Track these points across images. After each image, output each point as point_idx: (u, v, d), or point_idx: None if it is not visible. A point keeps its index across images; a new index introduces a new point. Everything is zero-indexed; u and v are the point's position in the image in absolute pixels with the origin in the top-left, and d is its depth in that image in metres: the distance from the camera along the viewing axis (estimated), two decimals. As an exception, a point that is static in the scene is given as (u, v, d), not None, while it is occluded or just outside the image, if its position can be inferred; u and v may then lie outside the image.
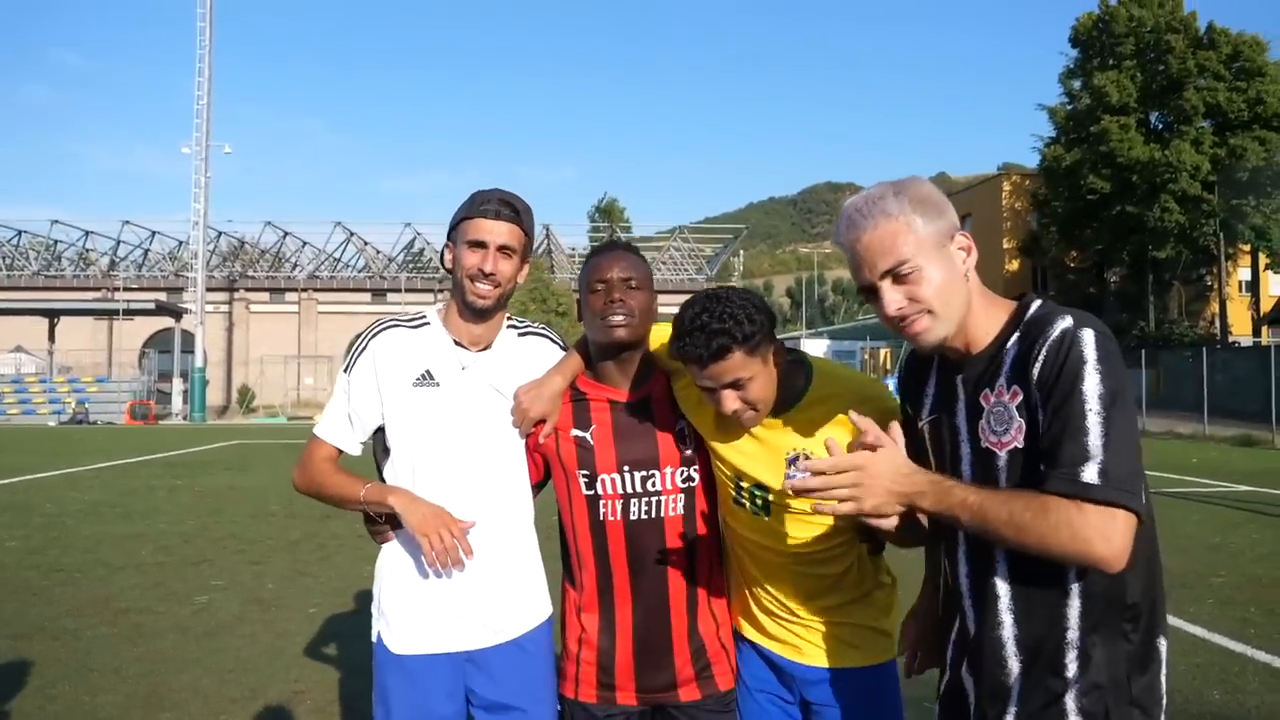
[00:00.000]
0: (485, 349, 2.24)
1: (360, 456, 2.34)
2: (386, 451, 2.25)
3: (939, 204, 1.63)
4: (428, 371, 2.20)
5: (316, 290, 51.86)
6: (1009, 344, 1.58)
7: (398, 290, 50.99)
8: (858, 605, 2.09)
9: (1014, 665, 1.56)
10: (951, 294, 1.61)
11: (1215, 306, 41.82)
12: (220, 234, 53.02)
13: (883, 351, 44.68)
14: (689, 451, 2.15)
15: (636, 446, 2.14)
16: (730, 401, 1.91)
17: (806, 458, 1.93)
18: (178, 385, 39.39)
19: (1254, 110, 37.38)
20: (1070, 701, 1.51)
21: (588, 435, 2.15)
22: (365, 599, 6.44)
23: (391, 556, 2.25)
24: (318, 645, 5.49)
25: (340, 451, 2.29)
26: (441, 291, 50.89)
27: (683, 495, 2.14)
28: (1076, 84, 42.81)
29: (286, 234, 54.49)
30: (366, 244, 55.73)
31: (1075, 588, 1.52)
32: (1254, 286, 42.21)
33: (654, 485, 2.12)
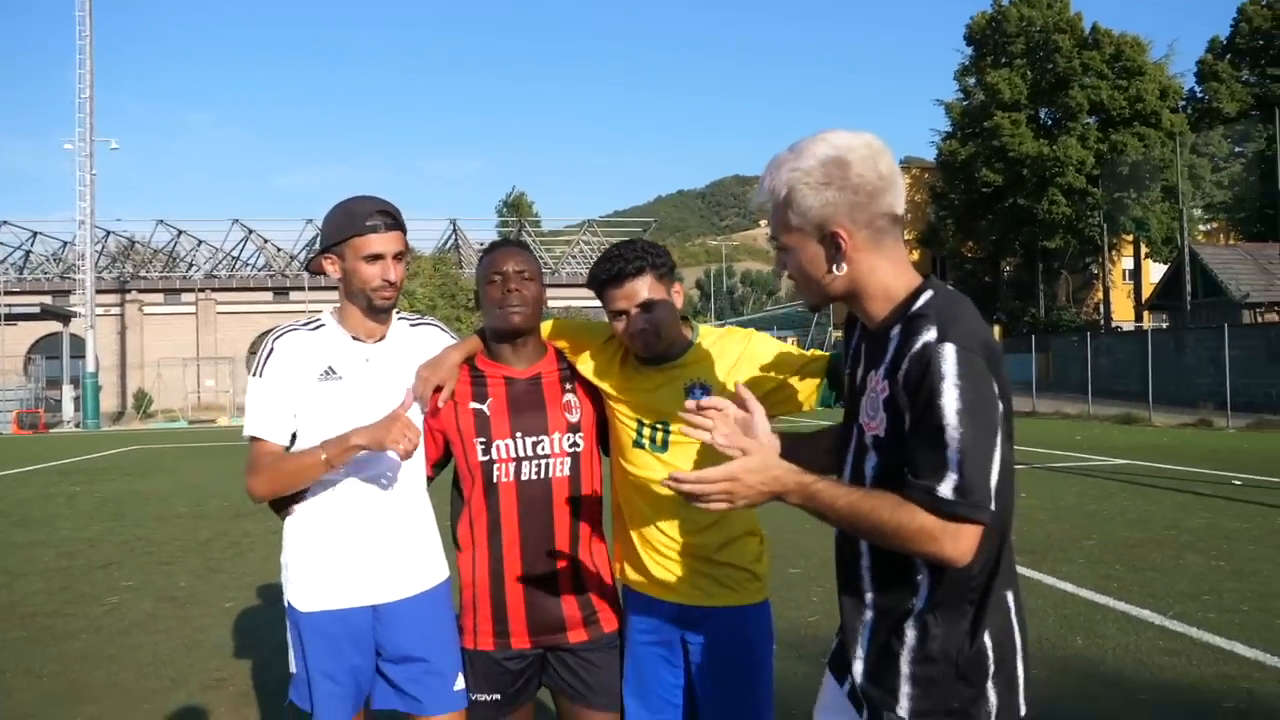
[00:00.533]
0: (381, 340, 2.44)
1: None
2: (292, 441, 2.40)
3: (830, 197, 1.63)
4: (330, 367, 2.37)
5: (215, 290, 50.30)
6: (894, 332, 1.65)
7: (301, 289, 49.83)
8: (734, 548, 2.35)
9: (868, 617, 1.74)
10: (806, 281, 1.73)
11: (1100, 294, 44.07)
12: (109, 234, 50.99)
13: (790, 339, 45.69)
14: (574, 420, 2.42)
15: (528, 415, 2.39)
16: (639, 321, 2.25)
17: (702, 385, 2.25)
18: (68, 392, 37.81)
19: (1134, 107, 39.53)
20: (904, 666, 1.66)
21: (484, 407, 2.40)
22: (281, 592, 6.52)
23: (296, 524, 2.41)
24: (237, 636, 5.56)
25: (283, 446, 2.38)
26: (348, 289, 49.72)
27: (569, 459, 2.40)
28: (971, 81, 44.52)
29: (181, 232, 52.71)
30: (266, 242, 54.31)
31: (924, 566, 1.65)
32: (1136, 275, 44.56)
33: (543, 449, 2.37)
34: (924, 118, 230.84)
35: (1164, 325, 35.56)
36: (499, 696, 2.40)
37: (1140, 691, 4.34)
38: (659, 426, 2.34)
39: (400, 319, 2.52)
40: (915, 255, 49.85)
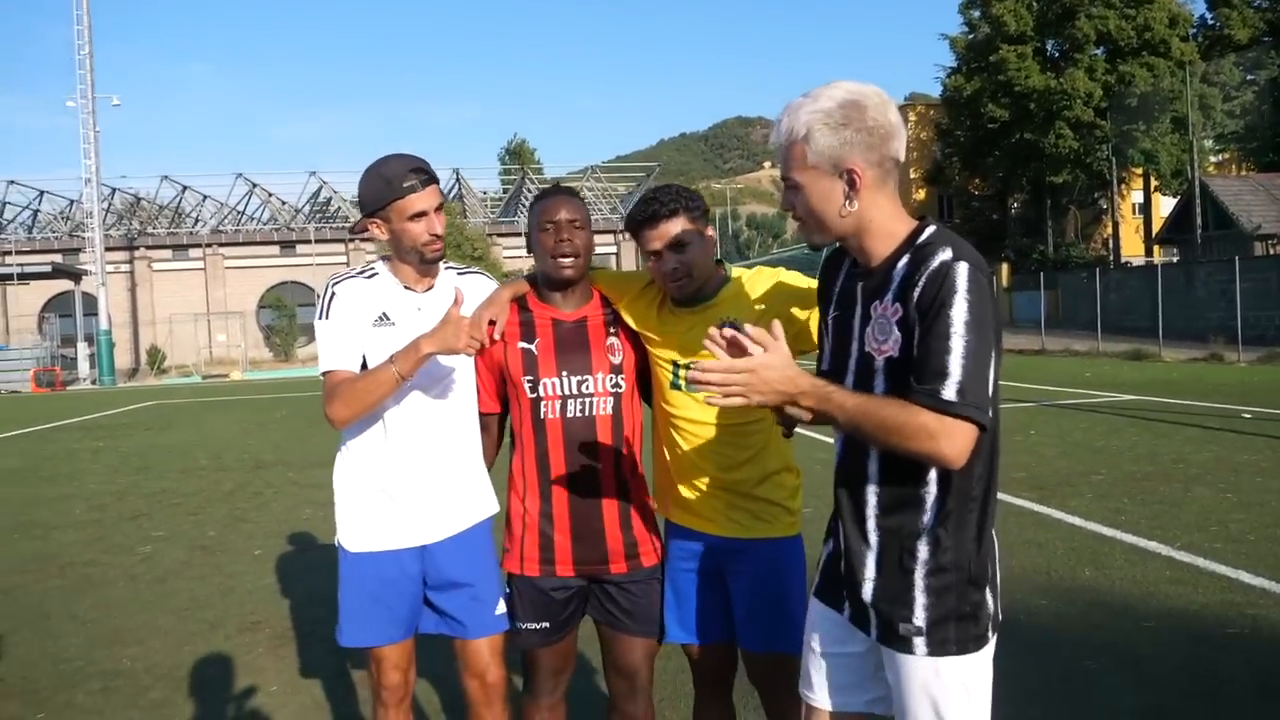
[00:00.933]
0: (430, 290, 2.56)
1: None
2: None
3: (847, 137, 1.76)
4: (384, 314, 2.49)
5: (221, 245, 50.30)
6: (900, 264, 1.78)
7: (307, 241, 49.78)
8: (770, 483, 2.46)
9: (874, 540, 1.86)
10: (820, 215, 1.84)
11: (1109, 229, 43.70)
12: (114, 191, 50.86)
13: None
14: (617, 361, 2.53)
15: (573, 356, 2.50)
16: (670, 261, 2.37)
17: (733, 324, 2.37)
18: (83, 350, 38.05)
19: (1142, 37, 38.76)
20: (918, 579, 1.79)
21: (532, 347, 2.50)
22: (308, 539, 6.75)
23: (348, 465, 2.55)
24: (269, 581, 5.74)
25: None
26: (352, 241, 49.91)
27: (611, 398, 2.51)
28: (976, 13, 43.64)
29: (186, 188, 52.55)
30: (271, 195, 54.14)
31: (933, 481, 1.78)
32: (1145, 208, 44.16)
33: (588, 388, 2.49)
34: (929, 53, 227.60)
35: (1174, 259, 35.38)
36: (548, 625, 2.53)
37: (1146, 619, 4.47)
38: (693, 367, 2.43)
39: (448, 269, 2.62)
40: (921, 194, 49.47)
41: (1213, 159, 42.46)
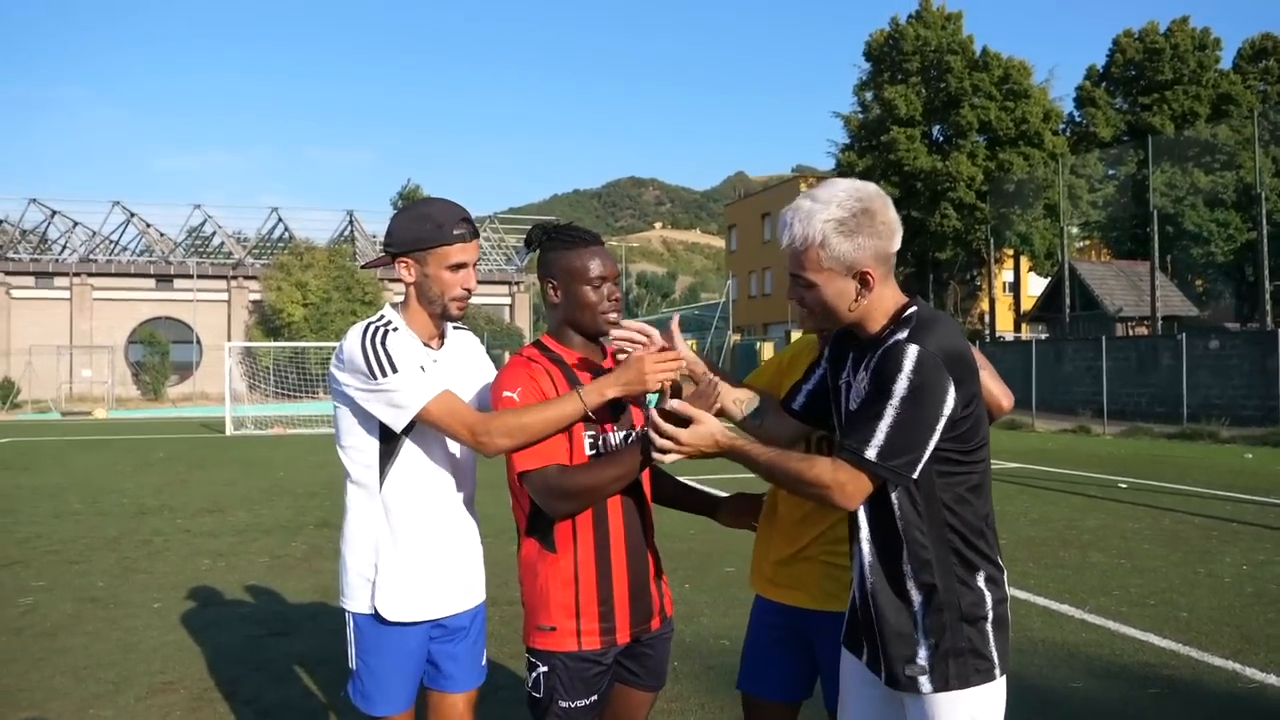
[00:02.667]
0: (443, 347, 2.52)
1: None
2: (385, 440, 2.40)
3: (860, 243, 1.93)
4: (421, 367, 2.37)
5: (91, 275, 47.72)
6: (884, 337, 1.98)
7: (187, 276, 47.81)
8: None
9: (873, 588, 1.98)
10: (833, 310, 2.02)
11: (985, 304, 46.03)
12: (-27, 212, 47.82)
13: (689, 342, 46.12)
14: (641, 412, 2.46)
15: (618, 407, 2.38)
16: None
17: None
18: (-72, 379, 35.34)
19: (1019, 129, 41.44)
20: (917, 621, 1.93)
21: None
22: (211, 594, 6.36)
23: (392, 529, 2.43)
24: (175, 638, 5.35)
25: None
26: (235, 278, 48.27)
27: None
28: (869, 95, 45.83)
29: (55, 213, 49.80)
30: (149, 226, 51.86)
31: (903, 530, 1.94)
32: (1015, 287, 46.75)
33: (632, 441, 2.36)
34: (819, 129, 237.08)
35: (1043, 336, 37.43)
36: (596, 698, 2.36)
37: (1074, 680, 4.63)
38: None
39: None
40: (812, 262, 50.95)
41: (1078, 245, 45.36)
